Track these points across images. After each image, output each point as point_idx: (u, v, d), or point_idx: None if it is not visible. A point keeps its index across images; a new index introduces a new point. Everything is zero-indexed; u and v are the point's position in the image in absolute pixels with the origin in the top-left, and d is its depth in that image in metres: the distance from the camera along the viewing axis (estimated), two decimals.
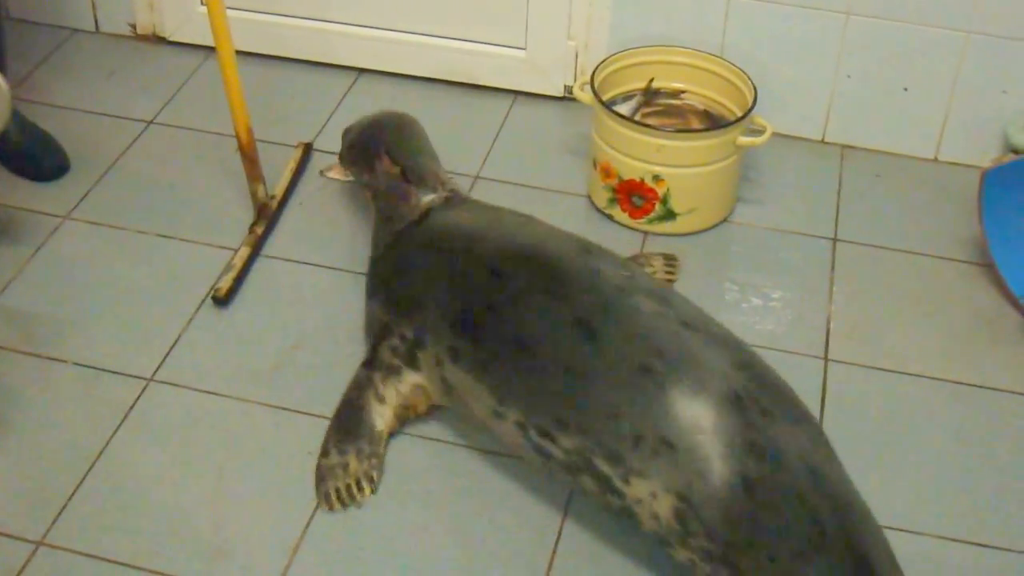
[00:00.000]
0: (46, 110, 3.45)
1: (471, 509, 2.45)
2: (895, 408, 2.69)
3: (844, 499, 2.14)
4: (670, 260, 3.00)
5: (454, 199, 2.77)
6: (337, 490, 2.45)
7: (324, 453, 2.51)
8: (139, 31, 3.75)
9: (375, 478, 2.48)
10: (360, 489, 2.46)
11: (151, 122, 3.43)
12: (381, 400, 2.54)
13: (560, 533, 2.41)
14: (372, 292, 2.68)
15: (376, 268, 2.72)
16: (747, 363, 2.26)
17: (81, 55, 3.70)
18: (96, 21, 3.78)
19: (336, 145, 3.29)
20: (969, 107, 3.30)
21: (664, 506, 2.14)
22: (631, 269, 2.47)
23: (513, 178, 3.28)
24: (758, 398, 2.18)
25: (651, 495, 2.16)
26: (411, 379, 2.54)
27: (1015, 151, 3.20)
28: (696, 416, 2.15)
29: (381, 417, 2.54)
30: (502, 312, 2.38)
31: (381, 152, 2.85)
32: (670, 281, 2.95)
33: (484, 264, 2.47)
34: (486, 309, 2.40)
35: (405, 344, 2.53)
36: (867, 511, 2.18)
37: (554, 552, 2.38)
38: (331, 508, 2.44)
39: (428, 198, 2.74)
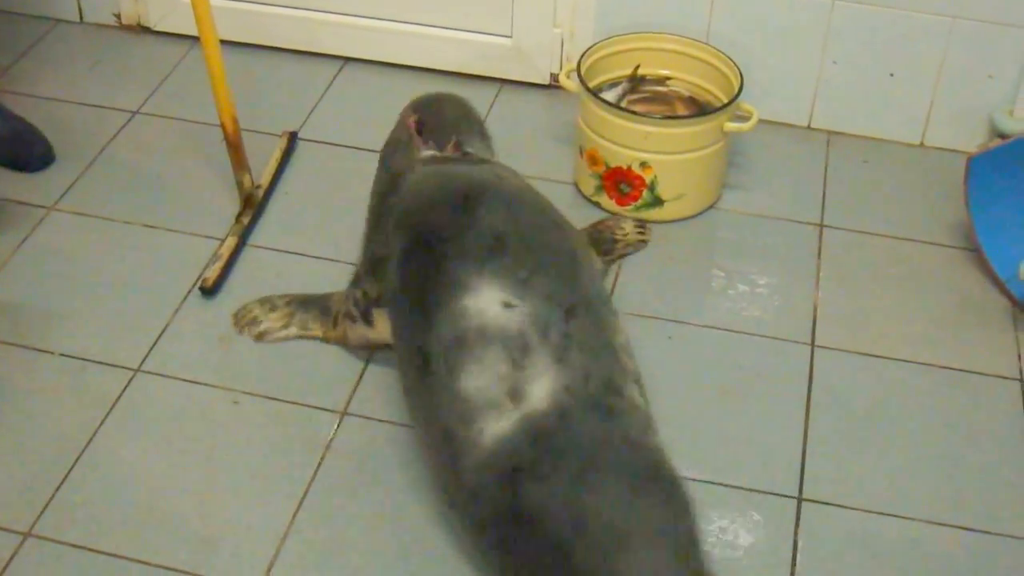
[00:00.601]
0: (30, 101, 3.44)
1: None
2: (882, 393, 2.69)
3: None
4: (640, 224, 3.07)
5: (455, 158, 2.71)
6: (254, 317, 2.78)
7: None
8: (124, 21, 3.74)
9: (277, 334, 2.76)
10: (257, 323, 2.77)
11: (136, 112, 3.42)
12: (331, 322, 2.75)
13: None
14: (365, 232, 2.79)
15: (368, 212, 2.79)
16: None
17: (65, 45, 3.69)
18: (80, 11, 3.76)
19: (322, 134, 3.34)
20: (955, 92, 3.30)
21: None
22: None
23: None
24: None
25: None
26: (361, 330, 2.65)
27: (1001, 136, 3.20)
28: None
29: (320, 325, 2.76)
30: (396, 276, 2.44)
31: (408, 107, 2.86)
32: (642, 242, 3.04)
33: (393, 227, 2.50)
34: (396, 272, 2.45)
35: (365, 300, 2.63)
36: None
37: None
38: (236, 324, 2.79)
39: (427, 153, 2.70)
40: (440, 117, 2.79)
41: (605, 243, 2.98)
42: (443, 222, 2.37)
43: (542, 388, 2.17)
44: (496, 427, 2.15)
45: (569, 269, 2.37)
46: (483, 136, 2.85)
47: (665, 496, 2.11)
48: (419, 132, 2.73)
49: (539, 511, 2.07)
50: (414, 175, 2.58)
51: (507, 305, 2.23)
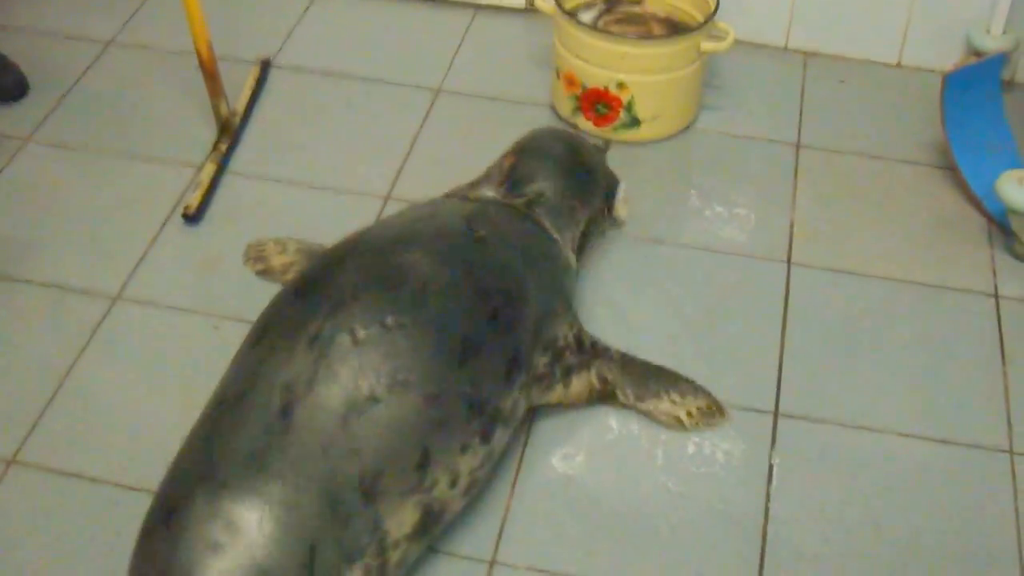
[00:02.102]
0: (2, 33, 3.42)
1: None
2: (857, 310, 2.71)
3: None
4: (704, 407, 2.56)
5: (501, 204, 2.53)
6: (264, 254, 2.77)
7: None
8: None
9: (276, 275, 2.73)
10: (263, 259, 2.76)
11: (110, 42, 3.40)
12: None
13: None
14: None
15: None
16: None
17: None
18: None
19: (298, 60, 3.33)
20: (932, 11, 3.29)
21: None
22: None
23: (476, 90, 3.27)
24: None
25: None
26: None
27: (977, 54, 3.20)
28: None
29: None
30: None
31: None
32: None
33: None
34: None
35: None
36: None
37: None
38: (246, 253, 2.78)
39: (488, 193, 2.59)
40: (534, 168, 2.62)
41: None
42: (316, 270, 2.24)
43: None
44: None
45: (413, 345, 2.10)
46: (588, 203, 2.67)
47: None
48: (509, 175, 2.63)
49: None
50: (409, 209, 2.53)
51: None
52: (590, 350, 2.46)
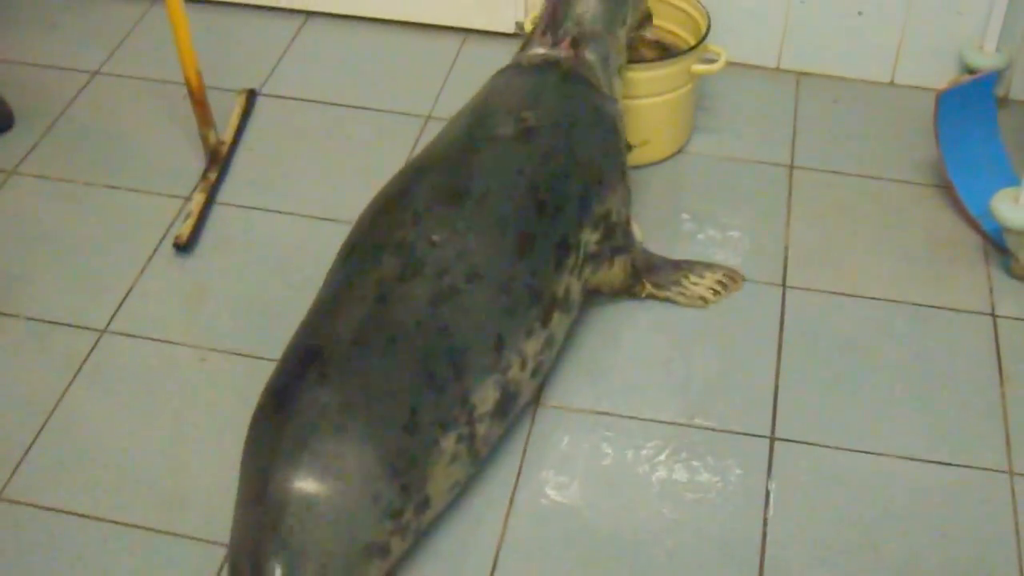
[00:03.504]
0: None
1: None
2: (853, 332, 2.69)
3: None
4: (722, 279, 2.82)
5: (549, 63, 2.68)
6: None
7: None
8: None
9: None
10: None
11: (96, 72, 3.39)
12: None
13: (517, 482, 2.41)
14: None
15: None
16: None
17: (22, 7, 3.65)
18: None
19: (286, 89, 3.32)
20: (924, 29, 3.28)
21: None
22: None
23: None
24: None
25: None
26: None
27: (971, 71, 3.19)
28: None
29: None
30: None
31: None
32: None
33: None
34: None
35: None
36: None
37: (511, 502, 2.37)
38: None
39: (536, 51, 2.73)
40: (573, 6, 2.73)
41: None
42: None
43: None
44: None
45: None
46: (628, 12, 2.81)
47: None
48: (551, 20, 2.73)
49: None
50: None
51: None
52: (629, 231, 2.67)
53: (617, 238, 2.60)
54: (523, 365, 2.34)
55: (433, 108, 3.27)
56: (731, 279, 2.75)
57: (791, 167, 3.10)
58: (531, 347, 2.35)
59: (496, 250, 2.32)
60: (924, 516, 2.33)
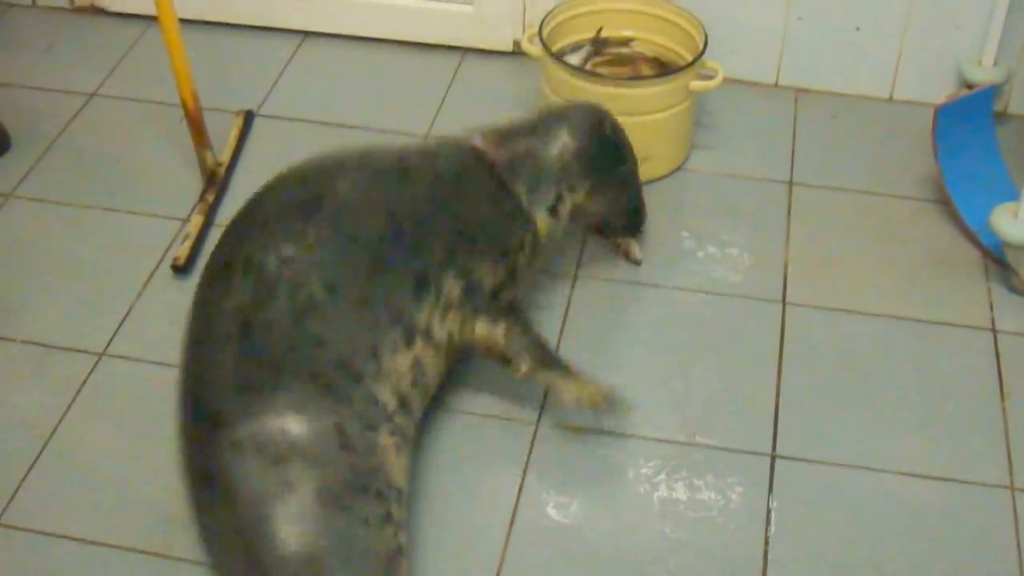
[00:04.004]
0: None
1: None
2: (854, 348, 2.68)
3: None
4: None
5: (470, 146, 2.59)
6: None
7: None
8: (77, 3, 3.69)
9: None
10: None
11: (93, 95, 3.38)
12: None
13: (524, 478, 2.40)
14: None
15: None
16: None
17: (18, 30, 3.65)
18: None
19: (284, 110, 3.32)
20: (922, 44, 3.28)
21: None
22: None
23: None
24: None
25: None
26: None
27: (969, 86, 3.18)
28: None
29: None
30: None
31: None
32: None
33: None
34: None
35: None
36: None
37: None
38: None
39: (474, 138, 2.63)
40: (536, 132, 2.66)
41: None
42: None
43: None
44: None
45: None
46: (594, 182, 2.71)
47: None
48: (508, 131, 2.66)
49: None
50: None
51: None
52: (506, 307, 2.51)
53: (477, 299, 2.46)
54: (400, 378, 2.28)
55: (431, 127, 3.27)
56: (611, 401, 2.48)
57: (790, 183, 3.09)
58: (402, 363, 2.28)
59: (350, 264, 2.27)
60: (925, 533, 2.33)
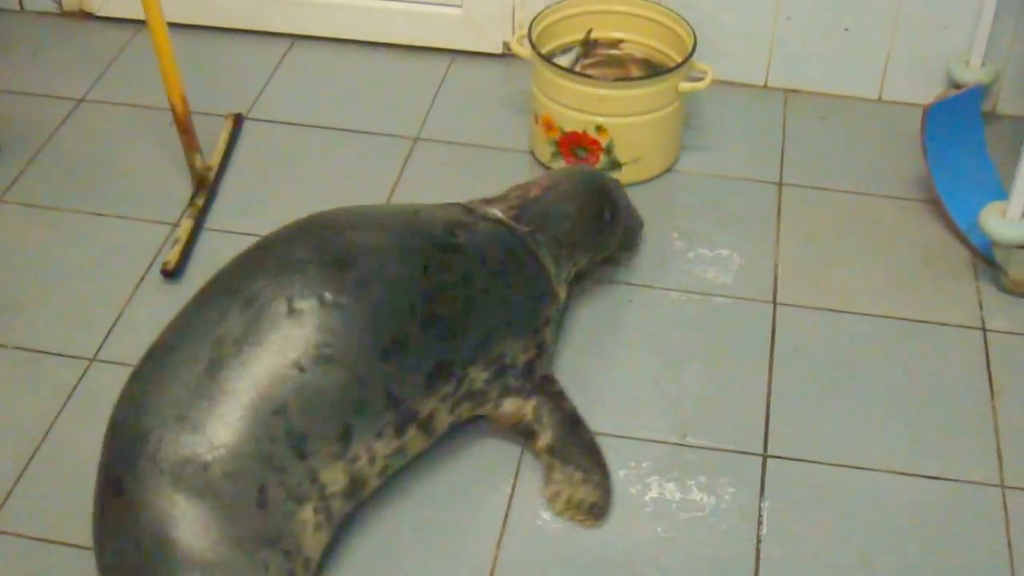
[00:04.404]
0: None
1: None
2: (844, 347, 2.68)
3: None
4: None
5: (504, 223, 2.51)
6: None
7: None
8: (65, 8, 3.69)
9: None
10: None
11: (81, 100, 3.37)
12: None
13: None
14: None
15: None
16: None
17: (6, 35, 3.63)
18: (20, 0, 3.72)
19: (274, 113, 3.33)
20: (911, 45, 3.28)
21: None
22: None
23: (454, 138, 3.24)
24: None
25: None
26: None
27: (957, 86, 3.18)
28: None
29: None
30: None
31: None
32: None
33: None
34: None
35: None
36: None
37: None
38: None
39: (492, 210, 2.54)
40: (553, 207, 2.61)
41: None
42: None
43: None
44: None
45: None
46: (598, 248, 2.72)
47: None
48: (527, 204, 2.60)
49: None
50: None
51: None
52: (539, 382, 2.45)
53: (508, 379, 2.40)
54: (372, 461, 2.20)
55: (421, 130, 3.26)
56: (593, 513, 2.34)
57: (780, 184, 3.10)
58: (381, 448, 2.20)
59: (360, 340, 2.16)
60: (916, 531, 2.33)
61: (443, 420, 2.33)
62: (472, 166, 3.14)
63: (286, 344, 2.10)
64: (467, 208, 2.52)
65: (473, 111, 3.35)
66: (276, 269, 2.18)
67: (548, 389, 2.45)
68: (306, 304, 2.14)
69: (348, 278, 2.19)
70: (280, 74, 3.48)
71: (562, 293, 2.58)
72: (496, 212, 2.53)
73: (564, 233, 2.58)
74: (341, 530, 2.28)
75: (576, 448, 2.41)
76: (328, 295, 2.16)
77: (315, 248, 2.23)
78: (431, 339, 2.25)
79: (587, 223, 2.65)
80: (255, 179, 3.13)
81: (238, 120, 3.29)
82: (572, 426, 2.44)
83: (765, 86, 3.42)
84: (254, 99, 3.38)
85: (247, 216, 2.99)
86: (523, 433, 2.44)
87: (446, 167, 3.15)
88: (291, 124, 3.31)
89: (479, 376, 2.34)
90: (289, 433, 2.07)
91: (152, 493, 1.99)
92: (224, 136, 3.21)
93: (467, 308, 2.31)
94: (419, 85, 3.44)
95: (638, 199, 2.98)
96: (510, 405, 2.42)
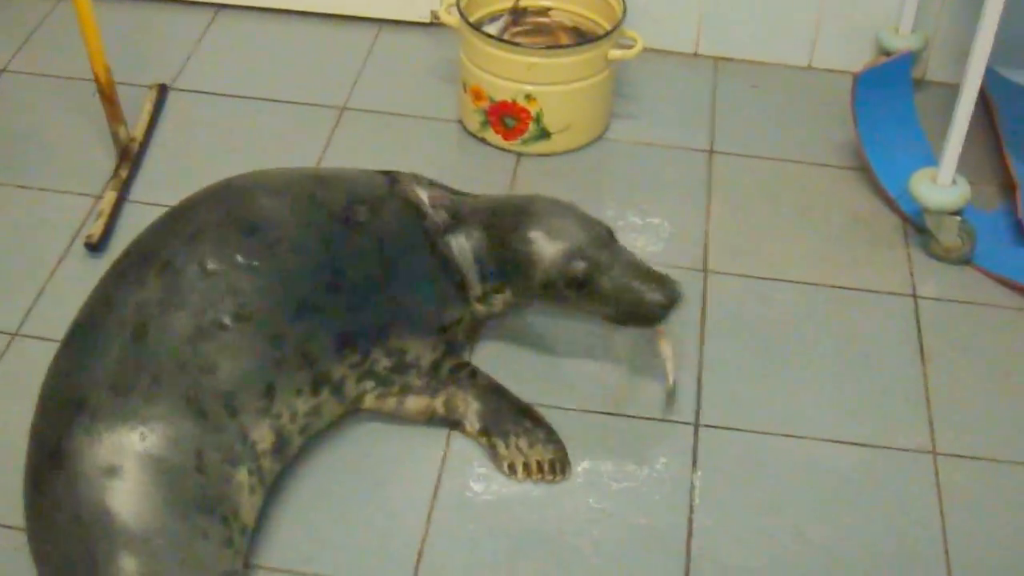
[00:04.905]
0: None
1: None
2: (776, 315, 2.68)
3: None
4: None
5: (422, 209, 2.47)
6: None
7: None
8: None
9: None
10: None
11: (3, 70, 3.32)
12: None
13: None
14: None
15: None
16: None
17: None
18: None
19: (198, 83, 3.29)
20: (841, 13, 3.29)
21: None
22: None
23: (382, 107, 3.21)
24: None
25: None
26: None
27: (887, 53, 3.18)
28: None
29: None
30: None
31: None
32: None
33: None
34: None
35: None
36: None
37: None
38: None
39: (418, 188, 2.49)
40: (494, 217, 2.49)
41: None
42: None
43: None
44: None
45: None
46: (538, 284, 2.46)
47: None
48: (462, 205, 2.52)
49: None
50: None
51: None
52: (446, 378, 2.43)
53: (411, 378, 2.40)
54: (293, 419, 2.23)
55: (348, 100, 3.23)
56: (555, 469, 2.36)
57: (711, 152, 3.09)
58: (300, 405, 2.24)
59: (272, 299, 2.19)
60: (849, 499, 2.33)
61: (352, 389, 2.34)
62: (400, 136, 3.11)
63: (205, 304, 2.14)
64: (394, 179, 2.49)
65: (401, 81, 3.32)
66: (188, 234, 2.21)
67: (457, 377, 2.44)
68: (219, 266, 2.17)
69: (257, 241, 2.22)
70: (205, 44, 3.43)
71: (480, 307, 2.51)
72: (421, 194, 2.49)
73: (487, 252, 2.47)
74: (268, 506, 2.26)
75: (508, 418, 2.40)
76: (239, 257, 2.19)
77: (225, 213, 2.26)
78: (338, 307, 2.28)
79: (518, 259, 2.44)
80: (179, 150, 3.09)
81: (162, 90, 3.24)
82: (496, 399, 2.43)
83: (695, 54, 3.41)
84: (179, 69, 3.34)
85: (171, 188, 2.90)
86: (447, 425, 2.44)
87: (374, 137, 3.12)
88: (216, 94, 3.27)
89: (381, 359, 2.36)
90: (219, 391, 2.10)
91: (90, 464, 1.99)
92: (148, 107, 3.17)
93: (367, 287, 2.33)
94: (346, 55, 3.41)
95: (569, 168, 2.99)
96: (414, 403, 2.42)
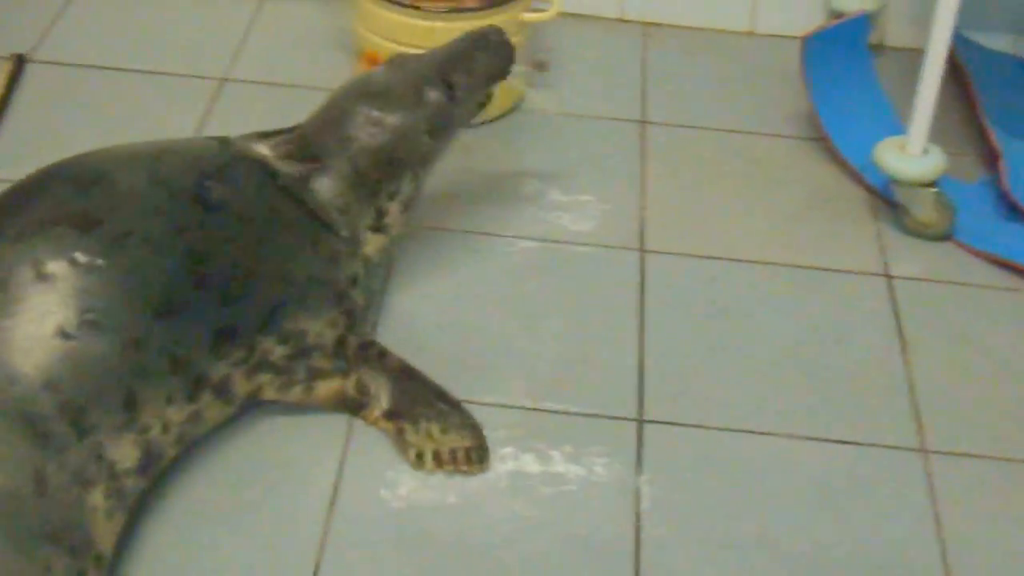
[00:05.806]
0: None
1: None
2: (728, 298, 2.46)
3: None
4: None
5: (269, 165, 2.26)
6: None
7: None
8: None
9: None
10: None
11: None
12: None
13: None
14: None
15: None
16: None
17: None
18: None
19: (60, 53, 3.05)
20: None
21: None
22: None
23: (268, 78, 2.97)
24: None
25: None
26: None
27: (838, 16, 3.00)
28: None
29: None
30: None
31: None
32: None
33: None
34: None
35: None
36: None
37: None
38: None
39: (260, 147, 2.30)
40: (328, 135, 2.30)
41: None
42: None
43: None
44: None
45: None
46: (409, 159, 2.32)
47: None
48: (297, 141, 2.30)
49: None
50: None
51: None
52: (355, 356, 2.22)
53: (315, 360, 2.20)
54: (165, 430, 2.01)
55: (230, 70, 2.98)
56: (471, 458, 2.13)
57: (643, 122, 2.88)
58: (174, 415, 2.03)
59: (127, 301, 1.98)
60: (827, 503, 2.08)
61: (241, 387, 2.13)
62: (289, 108, 2.78)
63: (42, 311, 1.92)
64: (224, 144, 2.25)
65: (289, 50, 3.09)
66: (15, 232, 1.99)
67: (367, 355, 2.23)
68: (56, 267, 1.95)
69: (98, 236, 2.01)
70: (70, 11, 3.17)
71: (371, 242, 2.29)
72: (262, 150, 2.26)
73: (353, 160, 2.27)
74: (140, 517, 2.03)
75: (419, 400, 2.18)
76: (79, 256, 1.97)
77: (57, 205, 2.05)
78: (208, 302, 2.08)
79: (387, 135, 2.28)
80: (39, 126, 2.84)
81: (19, 62, 3.00)
82: (406, 379, 2.21)
83: (621, 19, 3.23)
84: (39, 39, 3.08)
85: (29, 167, 2.62)
86: (352, 410, 2.21)
87: (259, 109, 2.86)
88: (81, 66, 3.01)
89: (274, 349, 2.14)
90: (64, 407, 1.88)
91: None
92: (3, 79, 2.93)
93: (239, 273, 2.12)
94: (228, 23, 3.16)
95: (483, 140, 2.77)
96: (325, 388, 2.21)
